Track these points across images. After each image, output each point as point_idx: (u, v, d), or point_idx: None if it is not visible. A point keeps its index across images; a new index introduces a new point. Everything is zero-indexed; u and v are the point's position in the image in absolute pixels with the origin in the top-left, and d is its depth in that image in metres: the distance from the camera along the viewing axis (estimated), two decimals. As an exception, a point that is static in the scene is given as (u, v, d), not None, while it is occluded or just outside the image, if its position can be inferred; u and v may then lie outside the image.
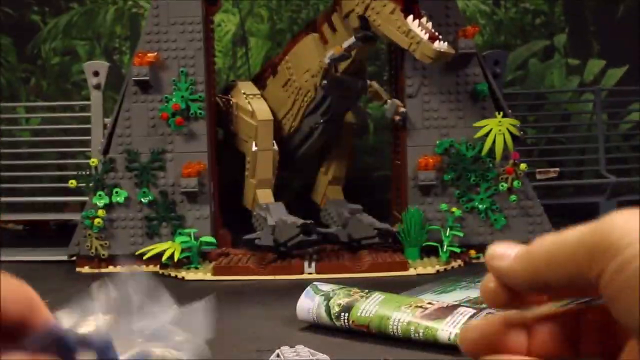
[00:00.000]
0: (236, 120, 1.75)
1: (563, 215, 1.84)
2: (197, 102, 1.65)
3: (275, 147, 1.70)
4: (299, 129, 1.76)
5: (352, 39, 1.58)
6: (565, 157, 2.07)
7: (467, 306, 1.10)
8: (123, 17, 2.19)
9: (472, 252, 1.63)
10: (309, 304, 1.16)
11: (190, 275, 1.56)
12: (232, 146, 1.78)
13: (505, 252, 0.35)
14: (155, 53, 1.65)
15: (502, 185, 1.64)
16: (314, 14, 2.11)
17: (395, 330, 1.07)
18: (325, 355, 0.97)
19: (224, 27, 2.18)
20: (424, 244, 1.61)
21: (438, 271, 1.55)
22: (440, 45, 1.46)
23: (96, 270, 1.64)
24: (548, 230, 1.65)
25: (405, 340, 1.07)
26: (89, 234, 1.63)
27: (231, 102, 1.76)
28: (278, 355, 0.98)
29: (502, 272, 0.34)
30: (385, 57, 2.00)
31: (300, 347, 0.99)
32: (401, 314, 1.08)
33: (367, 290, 1.15)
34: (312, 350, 0.98)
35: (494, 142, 1.62)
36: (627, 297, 0.29)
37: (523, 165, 1.64)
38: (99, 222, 1.62)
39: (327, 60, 1.62)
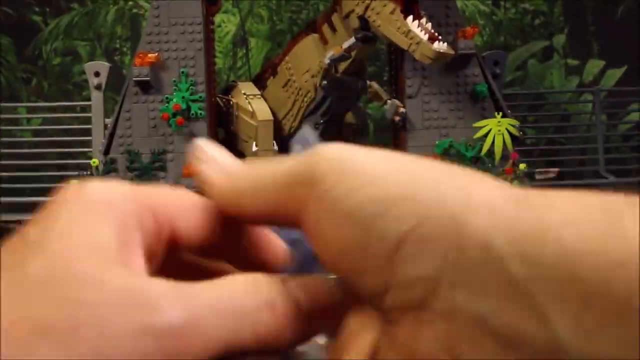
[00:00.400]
0: (236, 121, 1.75)
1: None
2: (197, 102, 1.66)
3: (276, 147, 1.70)
4: (299, 128, 1.76)
5: (352, 40, 1.58)
6: (565, 157, 2.07)
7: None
8: (124, 18, 2.19)
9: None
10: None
11: (190, 275, 1.56)
12: (232, 146, 1.78)
13: (214, 157, 0.29)
14: (156, 54, 1.65)
15: (502, 186, 1.64)
16: (313, 15, 2.11)
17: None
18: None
19: (224, 27, 2.19)
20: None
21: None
22: (440, 46, 1.46)
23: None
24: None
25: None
26: (90, 234, 1.63)
27: (231, 103, 1.76)
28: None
29: (207, 182, 0.28)
30: (385, 57, 2.01)
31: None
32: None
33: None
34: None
35: (493, 142, 1.63)
36: (324, 228, 0.25)
37: (522, 166, 1.64)
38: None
39: (327, 61, 1.63)
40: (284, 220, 0.27)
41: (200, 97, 1.66)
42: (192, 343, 0.23)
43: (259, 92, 1.77)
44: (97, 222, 0.25)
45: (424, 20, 1.49)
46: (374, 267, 0.23)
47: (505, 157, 1.64)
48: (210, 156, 0.29)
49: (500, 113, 1.64)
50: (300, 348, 0.29)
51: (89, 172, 1.67)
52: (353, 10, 1.57)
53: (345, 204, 0.24)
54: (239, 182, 0.28)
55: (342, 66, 1.66)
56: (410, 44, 1.48)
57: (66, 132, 1.96)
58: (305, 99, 1.72)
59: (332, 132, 1.77)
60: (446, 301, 0.22)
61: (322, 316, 0.27)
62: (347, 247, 0.24)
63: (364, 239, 0.23)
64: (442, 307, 0.22)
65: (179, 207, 0.28)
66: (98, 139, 1.80)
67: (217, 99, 1.79)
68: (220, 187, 0.28)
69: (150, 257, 0.26)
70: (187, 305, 0.23)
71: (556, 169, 1.73)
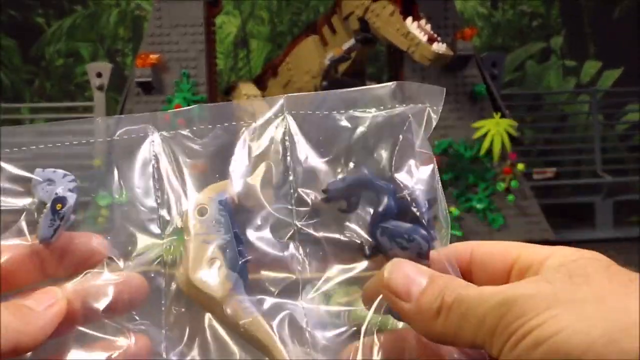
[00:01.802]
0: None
1: (560, 214, 1.87)
2: (198, 103, 1.67)
3: (276, 147, 1.71)
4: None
5: (352, 41, 1.60)
6: (562, 157, 2.08)
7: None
8: (126, 20, 2.20)
9: (470, 251, 1.64)
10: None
11: (192, 273, 1.58)
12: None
13: (406, 287, 0.35)
14: (158, 55, 1.67)
15: (500, 185, 1.66)
16: (314, 16, 2.13)
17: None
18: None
19: (225, 29, 2.20)
20: (422, 243, 1.63)
21: (436, 270, 1.57)
22: (439, 47, 1.48)
23: (99, 269, 1.65)
24: (545, 229, 1.67)
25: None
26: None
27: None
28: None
29: (402, 313, 0.35)
30: (384, 58, 2.02)
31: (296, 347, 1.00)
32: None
33: (366, 288, 1.17)
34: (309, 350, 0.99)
35: (492, 142, 1.64)
36: None
37: (520, 165, 1.65)
38: (101, 222, 1.64)
39: (327, 62, 1.64)
40: (465, 343, 0.32)
41: (202, 97, 1.67)
42: None
43: (259, 93, 1.78)
44: None
45: (423, 21, 1.51)
46: None
47: (503, 157, 1.66)
48: (401, 287, 0.35)
49: (499, 113, 1.65)
50: None
51: (91, 172, 1.68)
52: (353, 12, 1.58)
53: (539, 350, 0.29)
54: (434, 328, 0.33)
55: (342, 67, 1.67)
56: (410, 45, 1.49)
57: (68, 133, 1.97)
58: (306, 100, 1.73)
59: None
60: None
61: None
62: None
63: None
64: None
65: None
66: (100, 139, 1.81)
67: (218, 99, 1.80)
68: (418, 329, 0.34)
69: None
70: None
71: (553, 169, 1.74)
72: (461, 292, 0.33)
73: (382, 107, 0.42)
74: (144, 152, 0.41)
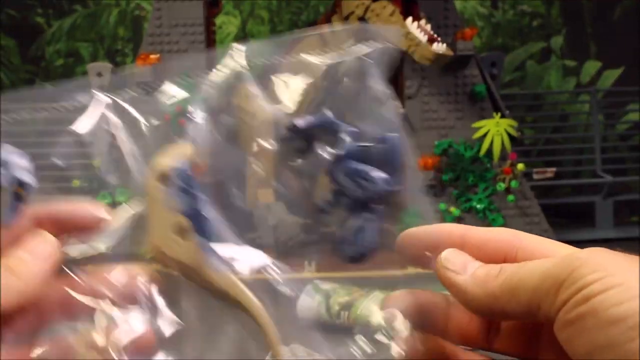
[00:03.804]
0: (237, 121, 1.76)
1: (560, 214, 1.87)
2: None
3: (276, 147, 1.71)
4: (299, 129, 1.77)
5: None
6: (562, 157, 2.08)
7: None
8: (126, 19, 2.20)
9: (470, 251, 1.64)
10: (309, 303, 1.17)
11: (192, 274, 1.58)
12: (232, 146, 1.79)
13: (463, 265, 0.34)
14: (158, 55, 1.67)
15: (500, 185, 1.66)
16: (314, 16, 2.13)
17: (394, 328, 1.09)
18: (321, 354, 0.98)
19: (225, 29, 2.20)
20: (422, 243, 1.63)
21: (436, 270, 1.57)
22: (439, 47, 1.48)
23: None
24: (545, 229, 1.67)
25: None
26: (93, 234, 1.65)
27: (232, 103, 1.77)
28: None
29: (455, 287, 0.34)
30: (384, 58, 2.02)
31: (296, 346, 1.00)
32: (400, 312, 1.09)
33: (367, 289, 1.17)
34: (308, 349, 1.00)
35: (492, 142, 1.64)
36: (588, 327, 0.29)
37: (520, 166, 1.66)
38: (102, 222, 1.64)
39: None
40: (532, 316, 0.31)
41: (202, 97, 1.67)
42: None
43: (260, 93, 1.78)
44: None
45: (423, 21, 1.51)
46: None
47: (503, 157, 1.66)
48: (458, 264, 0.34)
49: (499, 113, 1.65)
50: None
51: (91, 172, 1.68)
52: (353, 12, 1.58)
53: (610, 312, 0.28)
54: (491, 288, 0.32)
55: (342, 67, 1.67)
56: (410, 45, 1.49)
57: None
58: (306, 100, 1.73)
59: (332, 132, 1.79)
60: None
61: None
62: (596, 347, 0.28)
63: (621, 343, 0.27)
64: None
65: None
66: (100, 139, 1.81)
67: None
68: (473, 293, 0.33)
69: None
70: None
71: (553, 169, 1.74)
72: (515, 264, 0.33)
73: (341, 50, 0.42)
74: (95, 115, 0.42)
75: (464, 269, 0.34)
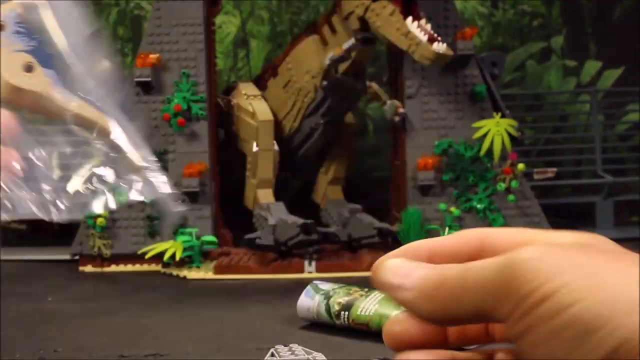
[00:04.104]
0: (237, 121, 1.76)
1: (560, 214, 1.86)
2: (198, 103, 1.67)
3: (276, 147, 1.71)
4: (299, 129, 1.77)
5: (352, 41, 1.59)
6: (563, 157, 2.08)
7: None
8: (125, 19, 2.20)
9: (471, 252, 1.64)
10: (309, 303, 1.17)
11: (191, 274, 1.58)
12: (233, 146, 1.79)
13: (404, 283, 0.33)
14: (157, 55, 1.66)
15: (500, 185, 1.66)
16: (314, 16, 2.12)
17: (394, 328, 1.09)
18: (321, 354, 0.98)
19: (225, 28, 2.20)
20: (422, 244, 1.62)
21: (437, 270, 1.56)
22: (439, 47, 1.48)
23: (99, 269, 1.65)
24: (546, 229, 1.67)
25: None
26: (92, 233, 1.65)
27: (232, 103, 1.77)
28: (273, 355, 0.99)
29: (405, 305, 0.33)
30: (384, 58, 2.02)
31: (295, 346, 1.01)
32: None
33: (367, 289, 1.17)
34: (307, 349, 0.99)
35: (492, 142, 1.64)
36: (534, 338, 0.29)
37: (521, 166, 1.65)
38: (101, 222, 1.64)
39: (327, 62, 1.64)
40: (480, 318, 0.31)
41: (201, 97, 1.67)
42: None
43: (259, 93, 1.78)
44: None
45: (423, 21, 1.50)
46: None
47: (503, 157, 1.66)
48: (401, 278, 0.33)
49: (499, 113, 1.65)
50: None
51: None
52: (353, 12, 1.58)
53: (555, 321, 0.28)
54: (439, 302, 0.32)
55: (342, 67, 1.67)
56: (410, 44, 1.49)
57: (68, 133, 1.96)
58: (306, 100, 1.73)
59: (332, 132, 1.78)
60: None
61: None
62: (554, 354, 0.28)
63: (571, 351, 0.28)
64: None
65: None
66: (100, 139, 1.81)
67: (218, 99, 1.80)
68: (423, 308, 0.32)
69: None
70: None
71: (554, 169, 1.74)
72: (460, 266, 0.32)
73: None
74: None
75: (404, 282, 0.34)
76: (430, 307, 0.33)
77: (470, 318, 0.32)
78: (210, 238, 1.64)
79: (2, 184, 0.41)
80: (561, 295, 0.28)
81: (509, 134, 1.64)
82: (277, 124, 1.75)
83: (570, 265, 0.29)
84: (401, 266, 0.34)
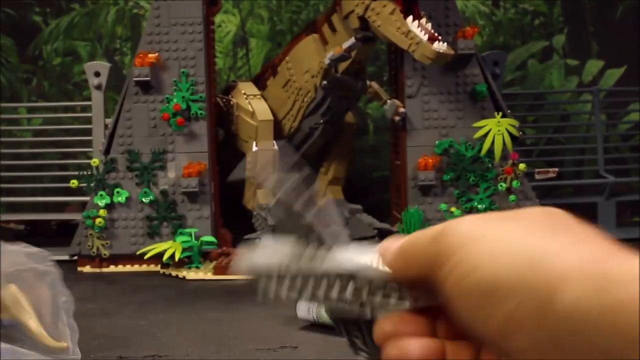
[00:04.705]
0: (237, 121, 1.76)
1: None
2: (197, 102, 1.66)
3: (276, 146, 1.70)
4: (299, 129, 1.76)
5: (352, 40, 1.59)
6: (564, 157, 2.07)
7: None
8: (124, 18, 2.19)
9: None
10: (309, 303, 1.17)
11: (191, 274, 1.57)
12: (232, 146, 1.78)
13: (390, 246, 0.37)
14: (156, 54, 1.66)
15: (501, 185, 1.65)
16: (314, 15, 2.12)
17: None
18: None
19: (224, 28, 2.19)
20: (423, 244, 1.62)
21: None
22: (440, 46, 1.47)
23: (97, 270, 1.65)
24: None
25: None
26: (91, 234, 1.64)
27: (232, 103, 1.76)
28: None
29: (388, 266, 0.36)
30: (385, 57, 2.01)
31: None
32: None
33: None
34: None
35: (493, 142, 1.63)
36: (456, 298, 0.31)
37: (522, 166, 1.64)
38: (100, 222, 1.63)
39: (327, 61, 1.63)
40: (427, 280, 0.33)
41: (201, 97, 1.66)
42: None
43: (259, 92, 1.77)
44: None
45: (423, 20, 1.50)
46: (489, 331, 0.30)
47: (504, 157, 1.65)
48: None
49: (500, 113, 1.64)
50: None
51: (89, 172, 1.67)
52: (353, 11, 1.57)
53: (466, 281, 0.31)
54: (400, 251, 0.35)
55: (342, 66, 1.66)
56: (410, 44, 1.48)
57: (67, 132, 1.96)
58: (306, 99, 1.72)
59: (332, 132, 1.78)
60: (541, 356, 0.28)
61: None
62: (469, 314, 0.31)
63: (480, 311, 0.30)
64: None
65: None
66: (98, 138, 1.80)
67: (218, 99, 1.79)
68: (391, 260, 0.35)
69: None
70: None
71: (555, 169, 1.73)
72: (404, 239, 0.35)
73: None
74: None
75: (391, 249, 0.37)
76: (397, 265, 0.35)
77: (418, 278, 0.34)
78: (210, 238, 1.64)
79: None
80: (466, 262, 0.31)
81: (510, 134, 1.63)
82: (277, 123, 1.74)
83: (482, 235, 0.31)
84: (395, 237, 0.37)
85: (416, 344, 0.35)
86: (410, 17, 1.49)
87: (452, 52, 1.50)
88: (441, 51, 1.46)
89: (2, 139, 1.93)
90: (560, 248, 0.30)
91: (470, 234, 0.32)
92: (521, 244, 0.31)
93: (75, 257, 1.67)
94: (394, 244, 0.36)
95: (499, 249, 0.31)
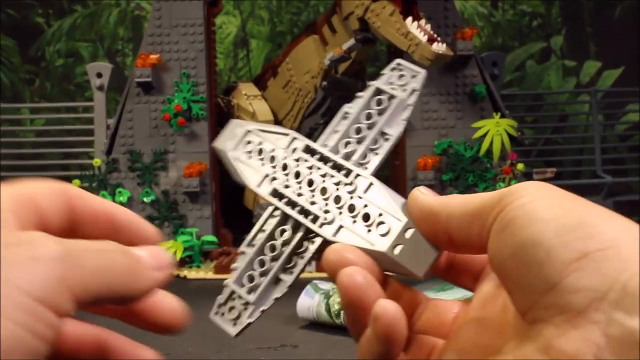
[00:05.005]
0: (237, 121, 1.76)
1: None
2: (198, 103, 1.67)
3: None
4: (299, 129, 1.77)
5: (352, 41, 1.60)
6: (563, 158, 2.08)
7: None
8: (126, 19, 2.20)
9: (470, 251, 1.64)
10: (309, 302, 1.17)
11: (192, 274, 1.58)
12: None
13: (430, 191, 0.39)
14: (158, 55, 1.67)
15: (500, 185, 1.66)
16: (314, 16, 2.13)
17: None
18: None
19: (225, 29, 2.20)
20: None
21: (436, 270, 1.57)
22: (439, 47, 1.47)
23: (99, 269, 1.66)
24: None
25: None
26: (92, 234, 1.65)
27: (232, 103, 1.77)
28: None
29: (422, 206, 0.38)
30: (385, 58, 2.02)
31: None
32: (399, 312, 1.09)
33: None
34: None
35: (491, 142, 1.64)
36: (513, 231, 0.31)
37: (520, 166, 1.65)
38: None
39: (327, 62, 1.64)
40: (475, 242, 0.34)
41: (202, 97, 1.67)
42: (72, 272, 0.30)
43: (259, 93, 1.78)
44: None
45: (423, 21, 1.50)
46: (547, 271, 0.29)
47: (503, 157, 1.66)
48: (430, 194, 0.39)
49: (499, 113, 1.65)
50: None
51: (91, 172, 1.69)
52: (353, 12, 1.58)
53: (532, 215, 0.31)
54: (449, 209, 0.37)
55: (342, 67, 1.67)
56: (410, 45, 1.49)
57: (69, 133, 1.97)
58: (306, 100, 1.73)
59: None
60: (605, 313, 0.28)
61: None
62: (526, 245, 0.30)
63: (544, 250, 0.30)
64: (599, 317, 0.28)
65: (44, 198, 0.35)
66: (100, 139, 1.81)
67: (218, 99, 1.80)
68: (431, 202, 0.38)
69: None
70: (65, 244, 0.31)
71: (553, 169, 1.74)
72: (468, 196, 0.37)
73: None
74: None
75: (432, 194, 0.39)
76: (442, 210, 0.38)
77: (465, 231, 0.35)
78: (211, 238, 1.65)
79: None
80: (519, 216, 0.31)
81: (509, 134, 1.64)
82: (278, 124, 1.75)
83: (542, 196, 0.32)
84: (431, 192, 0.40)
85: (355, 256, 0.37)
86: (410, 18, 1.50)
87: (451, 53, 1.51)
88: (440, 52, 1.47)
89: (5, 140, 1.94)
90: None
91: (535, 192, 0.32)
92: (581, 211, 0.31)
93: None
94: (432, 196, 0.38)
95: (558, 212, 0.31)
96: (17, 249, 0.30)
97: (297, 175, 0.42)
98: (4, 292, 0.28)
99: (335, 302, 1.15)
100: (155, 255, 0.36)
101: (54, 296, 0.30)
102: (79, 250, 0.31)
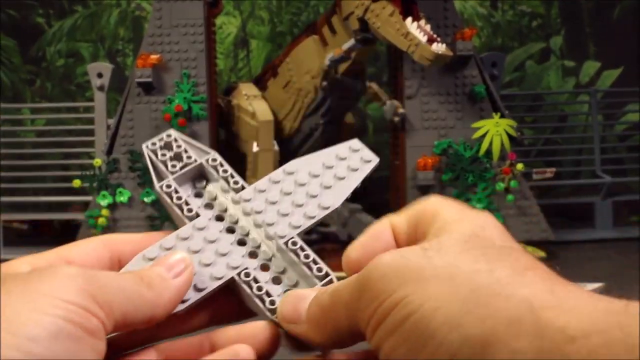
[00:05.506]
0: (237, 121, 1.77)
1: (559, 214, 1.87)
2: (199, 103, 1.68)
3: (276, 147, 1.71)
4: (299, 129, 1.78)
5: (352, 41, 1.60)
6: (562, 158, 2.09)
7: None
8: (126, 20, 2.21)
9: (470, 251, 1.64)
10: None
11: (192, 273, 1.58)
12: (233, 147, 1.80)
13: (295, 314, 0.36)
14: (158, 55, 1.67)
15: (499, 185, 1.66)
16: (314, 17, 2.13)
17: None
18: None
19: (225, 29, 2.20)
20: (422, 243, 1.63)
21: (436, 270, 1.57)
22: (439, 47, 1.48)
23: (100, 269, 1.66)
24: (544, 229, 1.68)
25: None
26: (93, 233, 1.65)
27: (232, 104, 1.78)
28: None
29: (301, 337, 0.36)
30: (384, 58, 2.03)
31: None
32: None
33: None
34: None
35: (491, 142, 1.64)
36: (389, 345, 0.30)
37: (520, 166, 1.66)
38: (102, 222, 1.65)
39: (327, 62, 1.64)
40: (348, 334, 0.33)
41: (202, 98, 1.68)
42: (91, 283, 0.32)
43: (259, 93, 1.78)
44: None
45: (422, 21, 1.51)
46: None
47: (503, 157, 1.66)
48: (292, 312, 0.37)
49: (498, 114, 1.65)
50: None
51: (91, 172, 1.69)
52: (353, 12, 1.58)
53: (403, 327, 0.30)
54: (320, 317, 0.35)
55: (342, 67, 1.67)
56: (409, 45, 1.49)
57: (69, 133, 1.97)
58: (306, 100, 1.73)
59: (332, 132, 1.79)
60: None
61: None
62: (407, 358, 0.30)
63: (418, 354, 0.29)
64: None
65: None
66: (101, 139, 1.81)
67: (219, 99, 1.81)
68: (306, 332, 0.36)
69: None
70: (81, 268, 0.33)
71: (553, 169, 1.75)
72: (328, 291, 0.35)
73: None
74: None
75: (299, 317, 0.36)
76: (319, 336, 0.35)
77: (352, 337, 0.33)
78: (211, 238, 1.65)
79: None
80: (404, 304, 0.30)
81: (508, 134, 1.64)
82: (278, 124, 1.75)
83: (416, 275, 0.30)
84: (289, 301, 0.38)
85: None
86: (410, 19, 1.50)
87: (450, 53, 1.51)
88: (440, 52, 1.47)
89: (5, 140, 1.94)
90: (499, 287, 0.30)
91: (405, 274, 0.31)
92: (460, 281, 0.30)
93: (78, 256, 1.68)
94: (298, 308, 0.36)
95: (439, 288, 0.30)
96: (39, 273, 0.33)
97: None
98: (33, 299, 0.31)
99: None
100: (169, 265, 0.37)
101: (76, 299, 0.31)
102: (95, 271, 0.34)
